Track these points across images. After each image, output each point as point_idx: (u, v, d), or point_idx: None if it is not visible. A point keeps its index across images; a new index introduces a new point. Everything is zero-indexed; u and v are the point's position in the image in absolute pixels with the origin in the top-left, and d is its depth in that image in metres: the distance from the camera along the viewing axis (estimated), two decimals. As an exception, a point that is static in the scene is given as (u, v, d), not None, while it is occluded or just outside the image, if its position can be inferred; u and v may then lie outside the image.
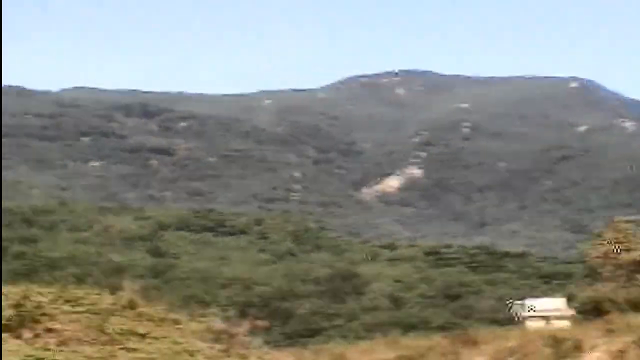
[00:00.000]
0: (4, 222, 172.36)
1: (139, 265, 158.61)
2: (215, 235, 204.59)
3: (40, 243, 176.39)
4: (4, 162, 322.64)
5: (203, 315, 25.53)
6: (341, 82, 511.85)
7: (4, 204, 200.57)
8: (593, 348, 36.06)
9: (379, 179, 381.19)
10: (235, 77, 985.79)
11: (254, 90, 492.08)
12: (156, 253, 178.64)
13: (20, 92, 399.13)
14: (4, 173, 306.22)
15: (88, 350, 20.48)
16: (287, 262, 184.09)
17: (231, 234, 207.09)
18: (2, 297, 21.61)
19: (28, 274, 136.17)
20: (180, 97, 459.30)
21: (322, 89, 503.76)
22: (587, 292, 60.39)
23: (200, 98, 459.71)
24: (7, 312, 20.81)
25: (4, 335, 20.24)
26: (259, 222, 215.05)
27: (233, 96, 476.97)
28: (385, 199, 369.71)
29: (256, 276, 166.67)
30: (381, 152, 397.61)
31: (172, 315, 24.09)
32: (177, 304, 25.35)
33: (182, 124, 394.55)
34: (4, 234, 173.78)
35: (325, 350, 45.93)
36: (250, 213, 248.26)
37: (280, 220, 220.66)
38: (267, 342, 25.40)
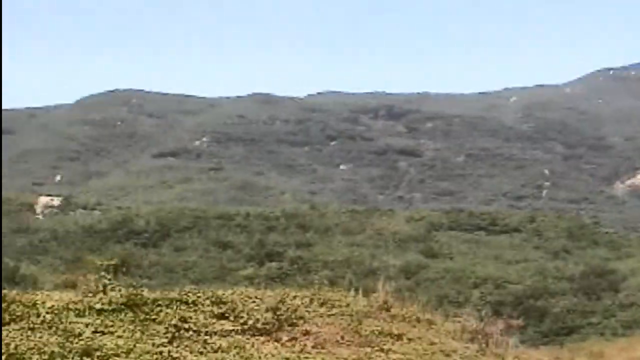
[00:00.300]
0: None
1: (392, 267, 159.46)
2: (488, 234, 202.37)
3: (315, 247, 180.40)
4: (256, 168, 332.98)
5: (457, 315, 25.31)
6: (588, 76, 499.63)
7: (255, 208, 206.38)
8: None
9: (630, 173, 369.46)
10: (480, 76, 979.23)
11: (499, 88, 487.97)
12: (429, 254, 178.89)
13: (268, 99, 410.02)
14: (255, 179, 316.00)
15: (344, 352, 20.63)
16: (562, 259, 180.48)
17: (504, 232, 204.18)
18: (258, 301, 22.10)
19: (283, 278, 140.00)
20: (425, 97, 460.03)
21: (569, 83, 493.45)
22: None
23: (445, 98, 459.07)
24: (265, 315, 21.23)
25: (263, 338, 20.66)
26: (532, 219, 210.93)
27: (478, 95, 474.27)
28: (638, 193, 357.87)
29: (508, 275, 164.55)
30: (632, 147, 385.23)
31: (427, 316, 24.00)
32: (431, 304, 25.18)
33: (429, 124, 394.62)
34: (280, 239, 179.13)
35: (582, 348, 44.82)
36: (522, 212, 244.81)
37: (554, 217, 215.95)
38: (522, 341, 24.90)
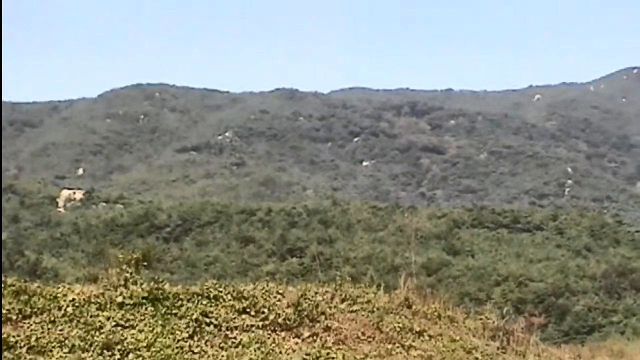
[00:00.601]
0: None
1: (414, 264, 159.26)
2: (510, 232, 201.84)
3: (337, 243, 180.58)
4: (278, 164, 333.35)
5: (479, 313, 25.23)
6: (613, 75, 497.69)
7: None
8: None
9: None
10: (504, 73, 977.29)
11: (523, 86, 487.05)
12: (451, 251, 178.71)
13: (292, 95, 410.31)
14: (278, 174, 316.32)
15: (365, 348, 20.60)
16: (584, 258, 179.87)
17: (526, 230, 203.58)
18: (279, 296, 22.06)
19: (304, 274, 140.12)
20: (449, 94, 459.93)
21: (593, 82, 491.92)
22: None
23: (469, 95, 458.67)
24: (286, 311, 21.21)
25: (284, 334, 20.64)
26: (554, 217, 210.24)
27: (502, 92, 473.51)
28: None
29: (530, 272, 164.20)
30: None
31: (448, 313, 23.93)
32: (452, 301, 25.10)
33: (452, 121, 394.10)
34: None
35: (604, 347, 44.58)
36: (544, 210, 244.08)
37: (576, 216, 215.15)
38: (543, 339, 24.80)
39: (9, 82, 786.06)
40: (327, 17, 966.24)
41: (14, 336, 18.30)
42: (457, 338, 22.24)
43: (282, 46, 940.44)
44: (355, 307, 22.54)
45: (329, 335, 20.88)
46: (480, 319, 24.23)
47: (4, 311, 19.33)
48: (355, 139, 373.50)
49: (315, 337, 20.66)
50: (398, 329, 21.77)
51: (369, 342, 21.02)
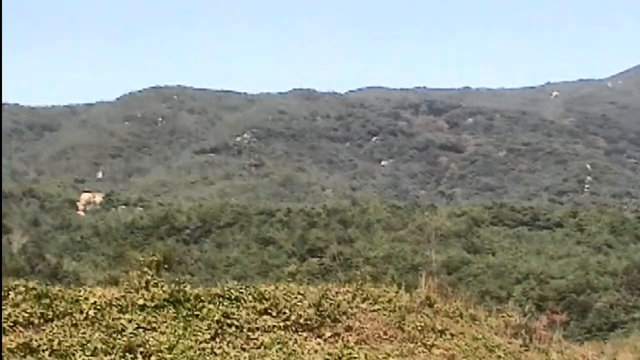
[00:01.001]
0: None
1: (434, 262, 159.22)
2: (530, 229, 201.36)
3: (357, 242, 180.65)
4: (297, 164, 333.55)
5: (500, 311, 25.16)
6: (630, 71, 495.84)
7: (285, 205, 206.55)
8: None
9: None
10: (521, 71, 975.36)
11: (541, 83, 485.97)
12: (472, 249, 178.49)
13: (309, 95, 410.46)
14: (297, 175, 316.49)
15: (387, 347, 20.56)
16: (604, 254, 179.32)
17: (546, 227, 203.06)
18: (301, 296, 22.04)
19: (324, 274, 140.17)
20: (467, 92, 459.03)
21: (611, 78, 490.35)
22: None
23: (486, 93, 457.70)
24: (308, 311, 21.19)
25: (306, 334, 20.62)
26: (574, 214, 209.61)
27: (519, 89, 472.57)
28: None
29: (551, 270, 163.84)
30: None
31: (470, 311, 23.86)
32: (474, 300, 25.03)
33: (470, 119, 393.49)
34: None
35: (626, 344, 44.43)
36: (564, 206, 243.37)
37: (596, 212, 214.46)
38: (565, 337, 24.69)
39: (28, 86, 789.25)
40: (343, 17, 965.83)
41: (36, 340, 18.34)
42: (480, 336, 22.18)
43: (299, 47, 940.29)
44: (376, 307, 22.50)
45: (350, 335, 20.85)
46: (502, 316, 24.16)
47: (25, 315, 19.38)
48: (374, 138, 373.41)
49: (337, 337, 20.63)
50: (420, 328, 21.72)
51: (391, 341, 20.98)
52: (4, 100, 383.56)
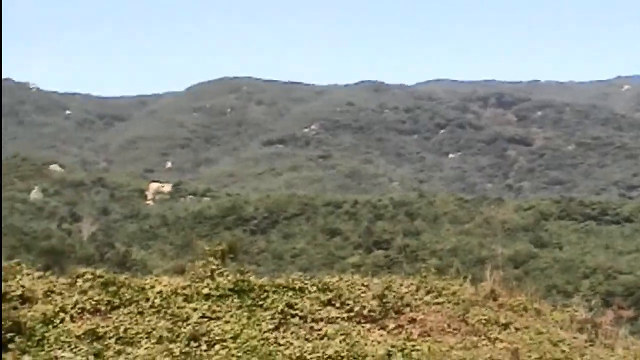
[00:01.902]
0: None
1: (500, 256, 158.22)
2: (599, 223, 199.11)
3: (423, 235, 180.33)
4: (364, 156, 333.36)
5: (566, 305, 24.97)
6: None
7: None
8: None
9: None
10: (592, 64, 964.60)
11: (612, 77, 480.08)
12: (539, 243, 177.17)
13: (378, 87, 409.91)
14: (364, 167, 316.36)
15: (451, 340, 20.52)
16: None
17: (615, 222, 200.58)
18: (364, 288, 22.10)
19: (390, 266, 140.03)
20: (536, 85, 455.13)
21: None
22: None
23: (556, 86, 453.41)
24: (371, 303, 21.23)
25: (369, 326, 20.67)
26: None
27: (589, 83, 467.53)
28: None
29: (619, 265, 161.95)
30: None
31: (534, 305, 23.70)
32: (539, 293, 24.85)
33: (539, 112, 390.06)
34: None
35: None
36: (633, 201, 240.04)
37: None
38: (632, 332, 24.39)
39: (98, 77, 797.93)
40: (412, 9, 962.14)
41: (102, 327, 18.61)
42: (544, 330, 22.03)
43: (367, 38, 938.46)
44: (440, 299, 22.47)
45: (414, 328, 20.85)
46: (568, 311, 23.95)
47: (92, 302, 19.69)
48: (441, 131, 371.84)
49: (400, 329, 20.65)
50: (484, 322, 21.65)
51: (454, 334, 20.94)
52: (75, 91, 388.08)
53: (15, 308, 18.79)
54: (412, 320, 21.11)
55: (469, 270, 27.72)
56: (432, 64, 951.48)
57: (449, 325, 21.24)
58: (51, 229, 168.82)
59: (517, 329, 21.73)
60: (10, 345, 17.42)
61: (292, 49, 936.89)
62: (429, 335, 20.58)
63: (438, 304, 22.24)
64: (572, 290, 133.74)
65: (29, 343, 17.70)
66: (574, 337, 22.13)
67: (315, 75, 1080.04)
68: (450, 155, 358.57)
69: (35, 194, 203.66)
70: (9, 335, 17.54)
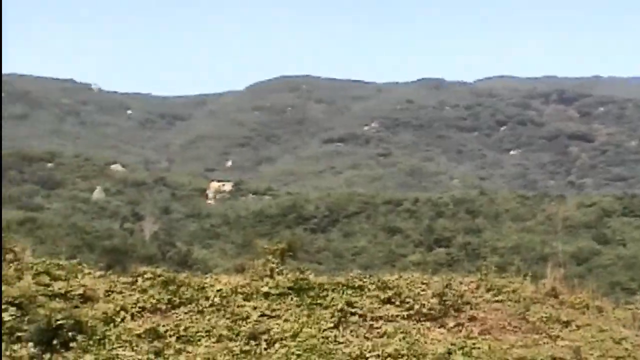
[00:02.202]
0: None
1: (561, 253, 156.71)
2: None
3: (484, 233, 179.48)
4: (424, 154, 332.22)
5: (629, 303, 24.72)
6: None
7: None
8: None
9: None
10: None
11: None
12: (601, 240, 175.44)
13: (437, 84, 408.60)
14: (424, 164, 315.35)
15: (511, 338, 20.40)
16: None
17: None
18: (424, 286, 22.05)
19: (451, 264, 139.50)
20: (597, 81, 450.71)
21: None
22: None
23: (618, 81, 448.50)
24: (431, 301, 21.17)
25: (429, 324, 20.61)
26: None
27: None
28: None
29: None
30: None
31: (596, 303, 23.48)
32: (601, 291, 24.61)
33: (601, 108, 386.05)
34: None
35: None
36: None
37: None
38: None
39: (159, 76, 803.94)
40: (470, 6, 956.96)
41: (163, 325, 18.75)
42: (606, 328, 21.81)
43: (427, 36, 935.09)
44: (500, 297, 22.36)
45: (474, 326, 20.77)
46: (630, 309, 23.70)
47: (153, 301, 19.85)
48: (502, 128, 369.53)
49: (460, 327, 20.58)
50: (544, 319, 21.50)
51: (515, 332, 20.83)
52: (137, 91, 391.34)
53: (76, 307, 19.00)
54: (472, 318, 21.03)
55: (530, 268, 27.56)
56: (492, 60, 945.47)
57: (509, 323, 21.14)
58: (113, 229, 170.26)
59: (578, 327, 21.55)
60: (72, 344, 17.62)
61: (350, 47, 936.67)
62: (489, 334, 20.49)
63: (498, 301, 22.14)
64: (636, 287, 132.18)
65: (90, 342, 17.89)
66: (637, 335, 21.89)
67: (375, 73, 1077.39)
68: (511, 152, 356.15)
69: (97, 194, 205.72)
70: (70, 334, 17.74)
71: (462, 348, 19.26)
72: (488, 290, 22.60)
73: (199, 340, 18.42)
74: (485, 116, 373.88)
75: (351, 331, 19.68)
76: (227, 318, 19.35)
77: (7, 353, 17.13)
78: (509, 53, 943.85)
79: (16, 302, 18.58)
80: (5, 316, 18.07)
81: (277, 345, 18.46)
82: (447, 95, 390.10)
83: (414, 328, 20.14)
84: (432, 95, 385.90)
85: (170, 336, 18.41)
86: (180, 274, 21.54)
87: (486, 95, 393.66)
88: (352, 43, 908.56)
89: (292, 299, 20.57)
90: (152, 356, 17.64)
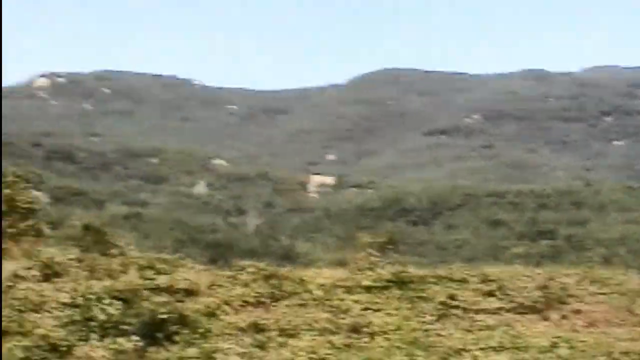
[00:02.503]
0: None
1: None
2: None
3: (589, 224, 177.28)
4: (527, 146, 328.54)
5: None
6: None
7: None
8: None
9: None
10: None
11: None
12: None
13: (540, 75, 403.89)
14: (527, 156, 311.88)
15: (617, 331, 20.08)
16: None
17: None
18: (527, 279, 21.82)
19: (555, 256, 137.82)
20: None
21: None
22: None
23: None
24: (533, 294, 20.95)
25: (531, 317, 20.41)
26: None
27: None
28: None
29: None
30: None
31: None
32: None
33: None
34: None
35: None
36: None
37: None
38: None
39: (263, 71, 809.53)
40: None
41: (265, 319, 18.90)
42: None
43: (528, 27, 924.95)
44: (605, 290, 22.02)
45: (578, 319, 20.50)
46: None
47: (255, 295, 20.02)
48: (607, 118, 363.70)
49: (564, 321, 20.33)
50: (653, 313, 21.12)
51: (620, 325, 20.49)
52: (235, 85, 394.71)
53: (180, 301, 19.25)
54: (577, 312, 20.77)
55: (636, 260, 27.07)
56: (597, 49, 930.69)
57: (615, 317, 20.81)
58: (216, 223, 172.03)
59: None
60: (176, 338, 17.86)
61: (451, 39, 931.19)
62: (594, 327, 20.20)
63: (603, 294, 21.80)
64: None
65: (194, 336, 18.12)
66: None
67: (477, 65, 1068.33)
68: (616, 143, 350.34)
69: (199, 188, 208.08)
70: (174, 327, 17.99)
71: (566, 342, 19.01)
72: (592, 283, 22.29)
73: (301, 333, 18.51)
74: (590, 106, 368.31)
75: (453, 324, 19.60)
76: (329, 311, 19.42)
77: (114, 346, 17.44)
78: (614, 42, 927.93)
79: (121, 295, 18.91)
80: (111, 310, 18.41)
81: (378, 339, 18.46)
82: (550, 86, 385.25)
83: (517, 321, 19.97)
84: (534, 87, 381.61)
85: (272, 330, 18.55)
86: (282, 267, 21.68)
87: (590, 86, 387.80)
88: (452, 34, 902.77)
89: (393, 292, 20.55)
90: (255, 349, 17.78)
